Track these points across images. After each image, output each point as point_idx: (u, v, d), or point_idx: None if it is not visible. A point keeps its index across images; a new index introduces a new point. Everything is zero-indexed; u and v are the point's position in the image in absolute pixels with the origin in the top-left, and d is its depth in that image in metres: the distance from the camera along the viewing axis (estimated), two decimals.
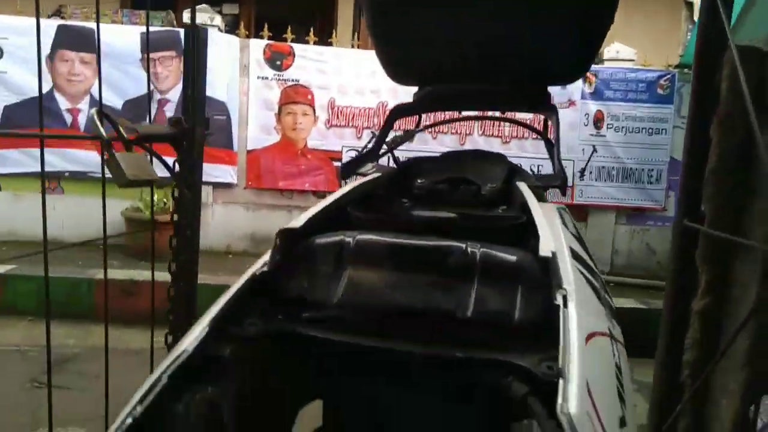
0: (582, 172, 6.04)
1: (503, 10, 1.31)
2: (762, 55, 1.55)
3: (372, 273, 0.90)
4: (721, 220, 1.72)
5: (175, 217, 1.48)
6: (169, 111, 5.68)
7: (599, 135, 6.04)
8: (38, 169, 4.87)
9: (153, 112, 5.56)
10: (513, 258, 0.87)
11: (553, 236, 0.92)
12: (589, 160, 6.02)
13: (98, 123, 1.21)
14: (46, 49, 5.37)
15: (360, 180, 1.22)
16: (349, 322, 0.87)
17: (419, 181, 1.31)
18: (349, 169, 1.32)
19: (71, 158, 5.27)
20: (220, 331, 0.87)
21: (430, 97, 1.53)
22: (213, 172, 5.56)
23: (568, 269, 0.86)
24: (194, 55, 1.43)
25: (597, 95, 5.97)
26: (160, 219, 4.98)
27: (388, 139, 1.50)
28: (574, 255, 0.97)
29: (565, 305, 0.77)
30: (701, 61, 1.81)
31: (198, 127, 1.41)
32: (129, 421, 0.69)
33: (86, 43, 5.46)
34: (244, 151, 5.69)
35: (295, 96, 5.74)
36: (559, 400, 0.63)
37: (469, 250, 0.88)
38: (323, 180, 5.62)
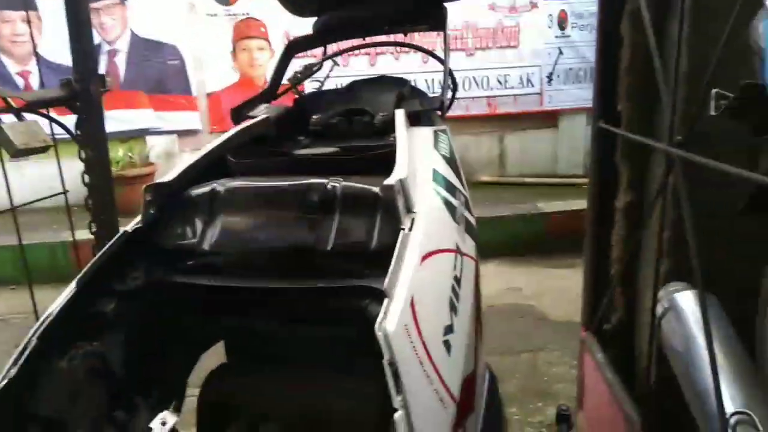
0: (549, 77, 5.96)
1: None
2: None
3: (241, 217, 0.94)
4: (636, 119, 1.74)
5: (86, 178, 1.49)
6: (121, 62, 5.53)
7: (564, 36, 5.92)
8: None
9: (104, 64, 5.40)
10: (371, 189, 0.90)
11: (411, 161, 0.94)
12: (555, 64, 5.92)
13: None
14: None
15: (244, 123, 1.23)
16: (225, 265, 0.91)
17: (315, 117, 1.32)
18: (240, 113, 1.32)
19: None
20: (101, 289, 0.91)
21: (325, 27, 1.50)
22: (175, 119, 5.48)
23: (420, 193, 0.89)
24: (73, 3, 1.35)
25: None
26: (125, 174, 4.99)
27: (289, 76, 1.49)
28: (435, 177, 1.01)
29: (411, 228, 0.81)
30: None
31: (92, 85, 1.39)
32: (4, 383, 0.74)
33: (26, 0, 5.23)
34: (204, 95, 5.59)
35: (247, 30, 5.57)
36: (379, 318, 0.68)
37: (329, 185, 0.91)
38: None
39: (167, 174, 1.00)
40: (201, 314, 1.01)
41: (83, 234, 4.61)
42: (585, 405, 2.01)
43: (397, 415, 0.61)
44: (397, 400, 0.62)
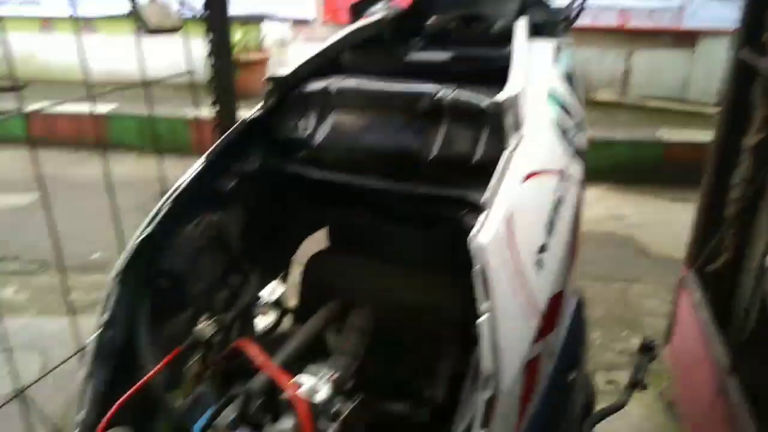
0: None
1: None
2: None
3: (351, 117, 0.97)
4: None
5: (211, 60, 1.56)
6: None
7: None
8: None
9: None
10: (481, 102, 0.89)
11: (527, 77, 0.91)
12: None
13: None
14: None
15: (361, 22, 1.22)
16: (332, 161, 0.96)
17: (432, 18, 1.28)
18: (359, 9, 1.31)
19: None
20: (225, 168, 0.99)
21: None
22: (290, 7, 5.51)
23: (532, 111, 0.87)
24: None
25: None
26: (239, 58, 5.13)
27: None
28: (551, 96, 0.97)
29: (516, 147, 0.81)
30: None
31: None
32: (138, 241, 0.85)
33: None
34: None
35: None
36: (474, 229, 0.70)
37: (439, 94, 0.91)
38: None
39: (285, 65, 1.03)
40: (307, 202, 1.08)
41: (201, 113, 4.88)
42: (673, 341, 1.98)
43: (482, 320, 0.64)
44: (484, 306, 0.65)
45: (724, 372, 1.43)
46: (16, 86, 1.01)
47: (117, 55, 5.22)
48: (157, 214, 0.88)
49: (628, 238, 3.47)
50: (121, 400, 0.77)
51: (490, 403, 0.63)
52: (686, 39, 5.39)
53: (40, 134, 4.62)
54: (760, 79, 1.59)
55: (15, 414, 1.48)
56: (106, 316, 0.82)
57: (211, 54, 1.55)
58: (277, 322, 1.13)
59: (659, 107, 5.23)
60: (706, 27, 5.29)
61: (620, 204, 3.91)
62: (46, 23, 5.82)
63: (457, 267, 0.99)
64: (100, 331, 0.82)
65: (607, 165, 4.15)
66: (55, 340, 1.88)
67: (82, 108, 4.93)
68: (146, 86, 1.42)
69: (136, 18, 1.26)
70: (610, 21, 5.32)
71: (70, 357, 1.48)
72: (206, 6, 1.47)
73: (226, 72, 1.57)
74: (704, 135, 4.26)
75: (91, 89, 1.34)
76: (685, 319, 1.83)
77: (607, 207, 3.84)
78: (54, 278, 2.93)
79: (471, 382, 0.71)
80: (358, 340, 0.97)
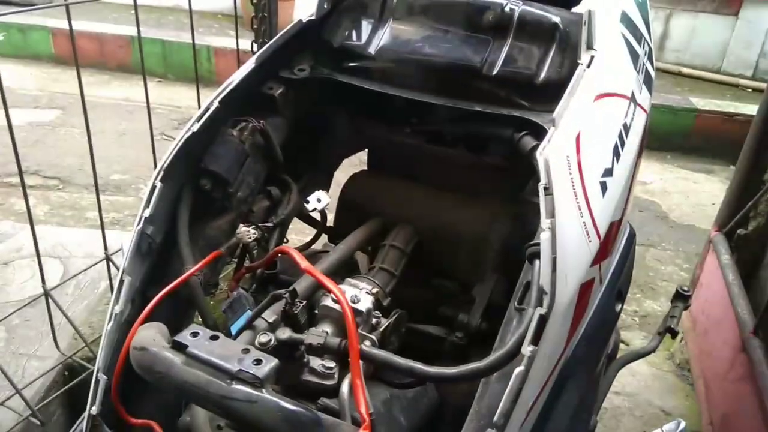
0: None
1: None
2: None
3: (411, 27, 0.92)
4: None
5: None
6: None
7: None
8: None
9: None
10: (551, 17, 0.85)
11: None
12: None
13: None
14: None
15: None
16: (386, 72, 0.92)
17: None
18: None
19: None
20: (272, 73, 0.96)
21: None
22: None
23: (606, 31, 0.83)
24: None
25: None
26: None
27: None
28: (624, 19, 0.92)
29: (589, 65, 0.77)
30: None
31: None
32: (187, 135, 0.83)
33: None
34: None
35: None
36: (542, 144, 0.67)
37: (508, 6, 0.87)
38: None
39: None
40: (353, 117, 1.05)
41: (223, 41, 4.78)
42: (693, 302, 1.97)
43: (543, 236, 0.62)
44: (545, 222, 0.63)
45: (747, 331, 1.42)
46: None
47: None
48: (204, 113, 0.85)
49: (650, 203, 3.43)
50: (159, 295, 0.76)
51: (543, 321, 0.61)
52: (730, 4, 5.19)
53: (65, 52, 4.55)
54: None
55: (38, 316, 1.51)
56: (147, 212, 0.81)
57: None
58: (312, 240, 1.12)
59: (693, 75, 5.09)
60: None
61: (644, 169, 3.84)
62: None
63: (504, 193, 0.97)
64: (140, 226, 0.81)
65: None
66: (73, 249, 1.89)
67: (106, 28, 4.88)
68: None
69: None
70: None
71: (94, 264, 1.49)
72: None
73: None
74: (737, 106, 4.18)
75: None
76: (709, 280, 1.81)
77: None
78: (72, 194, 2.94)
79: (517, 305, 0.69)
80: (398, 258, 0.95)
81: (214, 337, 0.64)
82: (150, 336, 0.66)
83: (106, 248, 1.46)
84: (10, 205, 2.81)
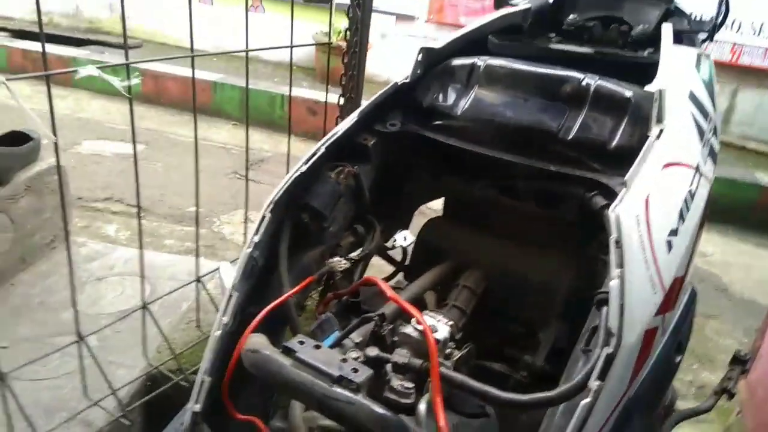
0: None
1: None
2: None
3: (495, 93, 1.04)
4: None
5: (348, 35, 1.67)
6: None
7: None
8: None
9: None
10: (625, 92, 0.94)
11: (672, 77, 0.96)
12: None
13: None
14: None
15: (506, 10, 1.29)
16: (468, 131, 1.03)
17: (571, 16, 1.34)
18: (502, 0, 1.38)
19: None
20: (367, 126, 1.08)
21: None
22: (397, 1, 5.64)
23: (675, 107, 0.92)
24: None
25: None
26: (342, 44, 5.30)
27: None
28: (692, 97, 1.01)
29: (659, 137, 0.86)
30: None
31: None
32: (296, 174, 0.96)
33: None
34: None
35: None
36: (615, 202, 0.75)
37: (585, 81, 0.97)
38: None
39: (384, 57, 1.11)
40: (434, 169, 1.16)
41: (296, 92, 5.05)
42: (752, 373, 1.95)
43: (613, 284, 0.70)
44: (615, 272, 0.71)
45: None
46: (125, 43, 1.12)
47: (227, 28, 5.53)
48: (312, 156, 0.98)
49: (710, 275, 3.39)
50: (266, 310, 0.87)
51: (609, 359, 0.68)
52: None
53: (150, 93, 4.93)
54: None
55: (127, 329, 1.65)
56: (256, 238, 0.93)
57: (349, 29, 1.66)
58: (390, 276, 1.22)
59: (760, 150, 5.04)
60: None
61: (705, 241, 3.79)
62: None
63: (570, 247, 1.05)
64: (249, 250, 0.93)
65: None
66: (159, 272, 2.05)
67: (189, 73, 5.24)
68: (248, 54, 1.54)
69: None
70: (722, 55, 5.16)
71: (185, 285, 1.63)
72: None
73: (363, 46, 1.68)
74: None
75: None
76: None
77: None
78: (152, 222, 3.16)
79: (583, 347, 0.76)
80: (469, 298, 1.04)
81: (318, 347, 0.74)
82: (262, 342, 0.77)
83: (197, 271, 1.60)
84: (96, 228, 3.04)
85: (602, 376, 0.67)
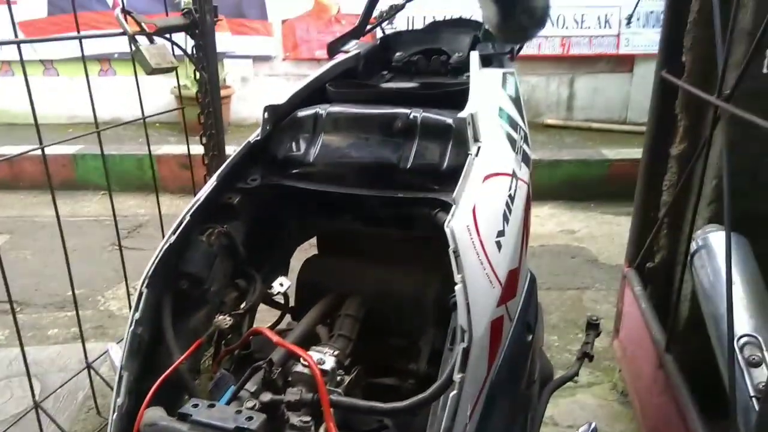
0: (629, 18, 5.76)
1: None
2: None
3: (339, 137, 1.15)
4: (697, 72, 1.83)
5: (199, 97, 1.73)
6: None
7: None
8: (91, 53, 5.07)
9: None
10: (446, 120, 1.08)
11: (481, 99, 1.12)
12: (636, 5, 5.70)
13: (122, 20, 1.44)
14: None
15: (340, 57, 1.42)
16: (323, 174, 1.13)
17: (398, 54, 1.50)
18: (335, 47, 1.51)
19: (120, 41, 5.54)
20: (229, 185, 1.15)
21: None
22: (251, 44, 5.71)
23: (487, 126, 1.08)
24: None
25: None
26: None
27: (375, 15, 1.66)
28: (501, 113, 1.18)
29: (477, 154, 1.00)
30: None
31: (207, 15, 1.60)
32: (166, 246, 1.00)
33: None
34: (279, 22, 5.75)
35: None
36: (448, 218, 0.88)
37: (412, 115, 1.10)
38: None
39: (246, 100, 1.20)
40: (300, 213, 1.25)
41: (164, 149, 4.93)
42: (620, 333, 2.21)
43: (458, 287, 0.82)
44: (457, 277, 0.83)
45: (661, 350, 1.65)
46: None
47: (77, 97, 5.32)
48: (178, 226, 1.03)
49: (579, 249, 3.73)
50: (156, 384, 0.90)
51: (466, 353, 0.80)
52: (624, 63, 5.83)
53: (6, 177, 4.64)
54: (681, 94, 1.85)
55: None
56: (137, 315, 0.96)
57: (200, 90, 1.71)
58: (278, 320, 1.28)
59: (602, 128, 5.62)
60: (641, 51, 5.74)
61: (571, 219, 4.19)
62: (6, 66, 5.86)
63: (431, 260, 1.18)
64: (131, 328, 0.96)
65: (557, 184, 4.46)
66: (47, 365, 1.96)
67: (48, 150, 4.99)
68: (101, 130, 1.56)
69: (138, 59, 1.42)
70: (554, 49, 5.72)
71: (77, 374, 1.59)
72: (196, 49, 1.64)
73: (215, 106, 1.74)
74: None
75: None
76: (629, 311, 2.06)
77: (559, 222, 4.12)
78: (31, 315, 2.98)
79: (449, 346, 0.88)
80: (352, 325, 1.13)
81: (212, 405, 0.79)
82: (158, 414, 0.81)
83: (86, 358, 1.57)
84: None
85: (462, 369, 0.79)
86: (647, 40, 5.77)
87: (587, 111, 5.91)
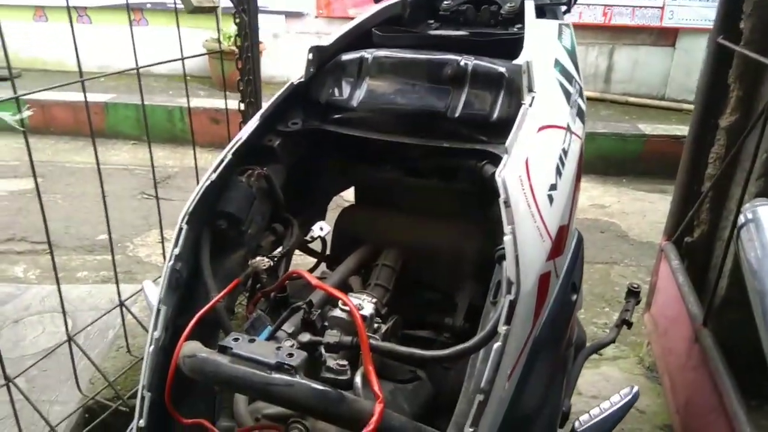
0: None
1: None
2: None
3: (385, 82, 1.11)
4: (756, 39, 1.74)
5: (238, 41, 1.70)
6: None
7: None
8: (123, 1, 5.02)
9: None
10: (498, 68, 1.04)
11: (537, 48, 1.07)
12: None
13: None
14: None
15: (386, 2, 1.37)
16: (366, 121, 1.10)
17: (445, 2, 1.44)
18: None
19: None
20: (270, 128, 1.13)
21: None
22: (286, 0, 5.63)
23: (542, 75, 1.03)
24: None
25: None
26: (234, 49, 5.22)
27: None
28: (557, 64, 1.13)
29: (531, 105, 0.96)
30: None
31: None
32: (207, 183, 0.99)
33: None
34: None
35: None
36: (499, 168, 0.85)
37: (462, 62, 1.06)
38: None
39: (278, 57, 1.16)
40: (340, 161, 1.22)
41: (194, 102, 4.98)
42: (653, 306, 2.16)
43: (507, 239, 0.79)
44: (507, 228, 0.80)
45: (698, 324, 1.60)
46: (11, 75, 1.09)
47: (110, 46, 5.32)
48: (219, 164, 1.01)
49: (610, 224, 3.67)
50: (195, 318, 0.90)
51: (512, 305, 0.77)
52: (667, 36, 5.62)
53: (38, 123, 4.67)
54: (736, 63, 1.77)
55: (54, 366, 1.60)
56: (176, 251, 0.95)
57: (239, 35, 1.68)
58: (313, 267, 1.27)
59: (640, 103, 5.46)
60: (686, 25, 5.53)
61: (602, 194, 4.11)
62: (39, 12, 5.87)
63: (474, 213, 1.15)
64: (171, 263, 0.95)
65: (590, 157, 4.35)
66: (78, 304, 1.99)
67: (79, 97, 5.01)
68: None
69: None
70: (595, 18, 5.53)
71: (109, 311, 1.61)
72: None
73: (254, 51, 1.70)
74: (682, 129, 4.51)
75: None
76: (664, 285, 2.01)
77: (590, 197, 4.04)
78: (61, 257, 3.03)
79: (492, 299, 0.85)
80: (390, 275, 1.11)
81: (252, 341, 0.78)
82: (197, 346, 0.80)
83: (119, 296, 1.59)
84: (2, 271, 2.89)
85: (508, 321, 0.76)
86: (694, 13, 5.54)
87: (625, 84, 5.74)
